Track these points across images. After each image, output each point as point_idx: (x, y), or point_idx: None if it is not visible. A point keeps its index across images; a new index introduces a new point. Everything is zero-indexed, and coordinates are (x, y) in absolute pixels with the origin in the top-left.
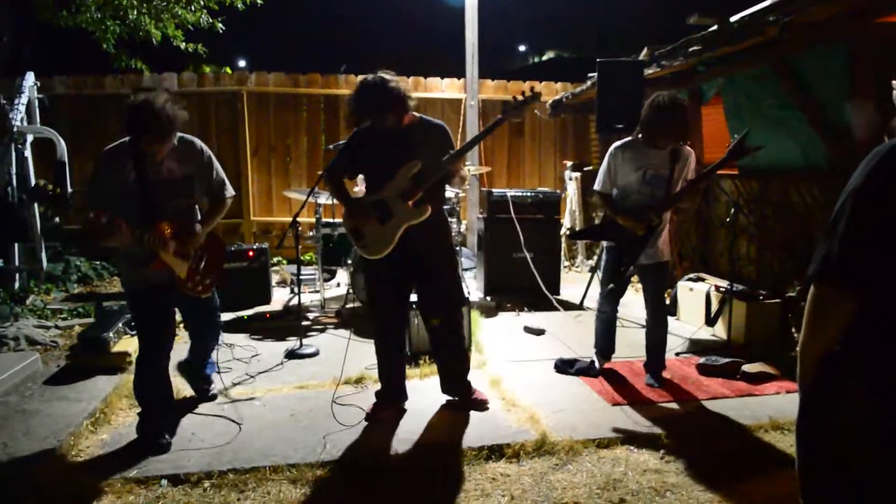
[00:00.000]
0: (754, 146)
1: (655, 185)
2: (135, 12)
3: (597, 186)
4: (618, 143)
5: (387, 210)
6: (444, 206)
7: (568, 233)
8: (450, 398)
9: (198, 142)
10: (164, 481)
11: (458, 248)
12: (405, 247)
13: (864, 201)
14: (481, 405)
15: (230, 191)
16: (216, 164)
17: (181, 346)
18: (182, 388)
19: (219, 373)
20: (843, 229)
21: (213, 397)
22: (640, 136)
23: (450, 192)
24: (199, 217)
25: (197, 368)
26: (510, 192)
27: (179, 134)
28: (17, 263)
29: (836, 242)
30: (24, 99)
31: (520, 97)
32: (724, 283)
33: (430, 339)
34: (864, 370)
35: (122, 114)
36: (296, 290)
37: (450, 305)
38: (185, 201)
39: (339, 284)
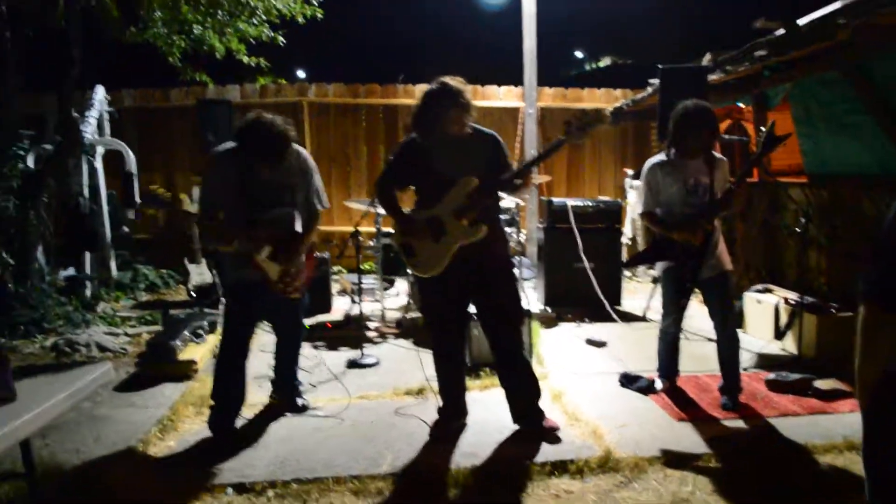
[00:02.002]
0: (784, 135)
1: (699, 194)
2: (199, 28)
3: (642, 208)
4: (652, 160)
5: (440, 227)
6: (503, 217)
7: (629, 242)
8: (521, 427)
9: (303, 152)
10: (229, 489)
11: (517, 259)
12: (461, 260)
13: None
14: (552, 434)
15: (325, 202)
16: (317, 175)
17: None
18: (255, 397)
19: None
20: (890, 249)
21: (304, 408)
22: (671, 151)
23: (510, 202)
24: (298, 223)
25: (285, 378)
26: (570, 202)
27: None
28: (88, 272)
29: (883, 262)
30: (94, 112)
31: (582, 118)
32: (793, 296)
33: (496, 365)
34: None
35: (239, 129)
36: (356, 299)
37: (509, 319)
38: (285, 208)
39: (398, 294)
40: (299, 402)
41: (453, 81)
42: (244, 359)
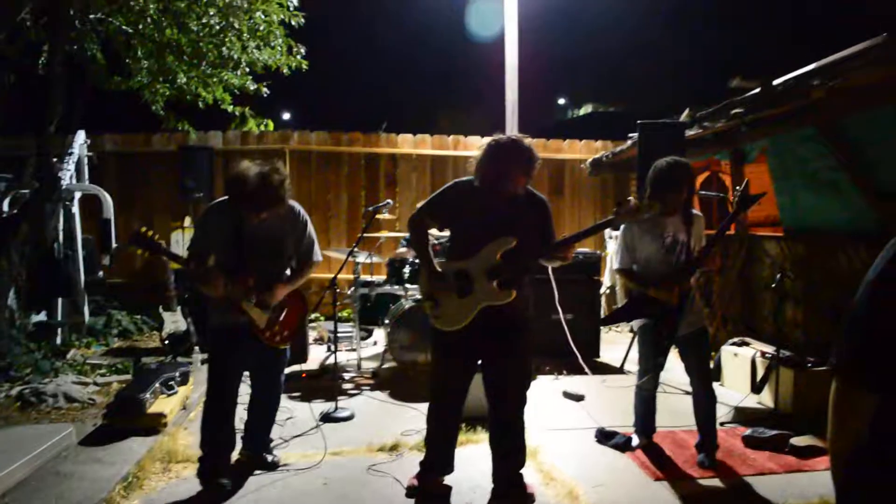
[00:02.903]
0: (758, 194)
1: (676, 252)
2: (184, 77)
3: (619, 265)
4: None
5: (468, 284)
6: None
7: (607, 291)
8: (497, 490)
9: (297, 206)
10: None
11: None
12: (484, 319)
13: (881, 294)
14: (529, 500)
15: (318, 255)
16: (310, 228)
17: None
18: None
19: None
20: (861, 323)
21: (275, 465)
22: None
23: None
24: (286, 271)
25: (258, 433)
26: None
27: None
28: (59, 318)
29: (854, 336)
30: (74, 157)
31: (637, 201)
32: (769, 349)
33: (490, 426)
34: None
35: (232, 180)
36: (332, 348)
37: (516, 386)
38: (275, 259)
39: (375, 343)
40: (269, 458)
41: (526, 140)
42: (231, 406)
